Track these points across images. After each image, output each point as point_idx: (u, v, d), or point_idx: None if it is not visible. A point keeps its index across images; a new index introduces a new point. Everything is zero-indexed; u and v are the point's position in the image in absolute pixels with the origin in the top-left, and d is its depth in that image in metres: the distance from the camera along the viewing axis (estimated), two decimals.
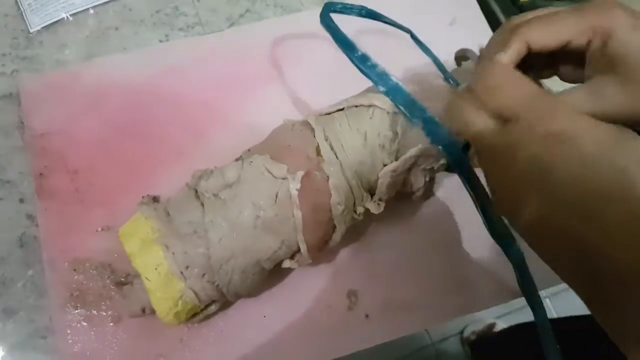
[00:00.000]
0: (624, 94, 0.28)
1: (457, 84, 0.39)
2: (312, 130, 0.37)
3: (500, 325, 1.19)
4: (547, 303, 1.24)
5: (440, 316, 0.42)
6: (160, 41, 0.50)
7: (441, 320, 0.41)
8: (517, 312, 1.22)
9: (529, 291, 0.35)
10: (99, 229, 0.42)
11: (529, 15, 0.31)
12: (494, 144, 0.27)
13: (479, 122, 0.27)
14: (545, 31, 0.29)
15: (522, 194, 0.25)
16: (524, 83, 0.27)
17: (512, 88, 0.27)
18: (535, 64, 0.31)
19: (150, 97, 0.47)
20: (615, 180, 0.22)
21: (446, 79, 0.40)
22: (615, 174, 0.23)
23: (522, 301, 0.38)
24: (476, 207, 0.33)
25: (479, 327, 1.22)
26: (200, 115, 0.47)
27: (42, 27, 0.48)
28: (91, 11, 0.49)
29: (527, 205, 0.25)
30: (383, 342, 0.40)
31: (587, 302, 0.24)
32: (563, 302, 1.24)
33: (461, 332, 1.25)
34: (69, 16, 0.49)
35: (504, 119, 0.27)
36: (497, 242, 0.35)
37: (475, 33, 0.53)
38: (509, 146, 0.26)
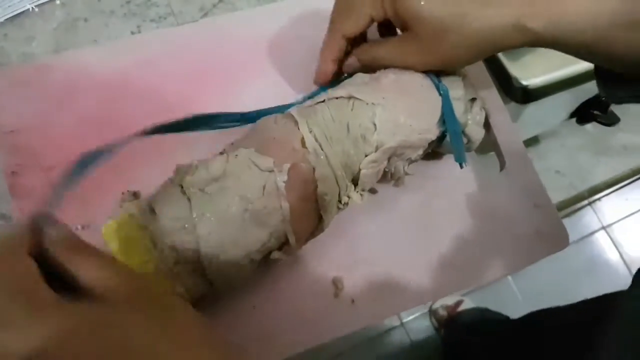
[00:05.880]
0: (418, 49, 0.37)
1: (442, 86, 0.40)
2: (296, 122, 0.38)
3: (468, 303, 1.24)
4: (511, 284, 1.30)
5: (424, 296, 0.43)
6: (132, 33, 0.49)
7: (424, 300, 0.43)
8: (485, 290, 1.27)
9: None
10: (78, 227, 0.41)
11: None
12: None
13: None
14: (351, 21, 0.38)
15: None
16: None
17: None
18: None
19: (124, 90, 0.46)
20: None
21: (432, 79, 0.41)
22: None
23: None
24: None
25: (447, 301, 1.26)
26: (177, 109, 0.46)
27: (6, 19, 0.46)
28: (58, 2, 0.47)
29: None
30: (369, 324, 0.42)
31: None
32: (527, 281, 1.30)
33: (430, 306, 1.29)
34: (34, 7, 0.47)
35: None
36: None
37: None
38: None
